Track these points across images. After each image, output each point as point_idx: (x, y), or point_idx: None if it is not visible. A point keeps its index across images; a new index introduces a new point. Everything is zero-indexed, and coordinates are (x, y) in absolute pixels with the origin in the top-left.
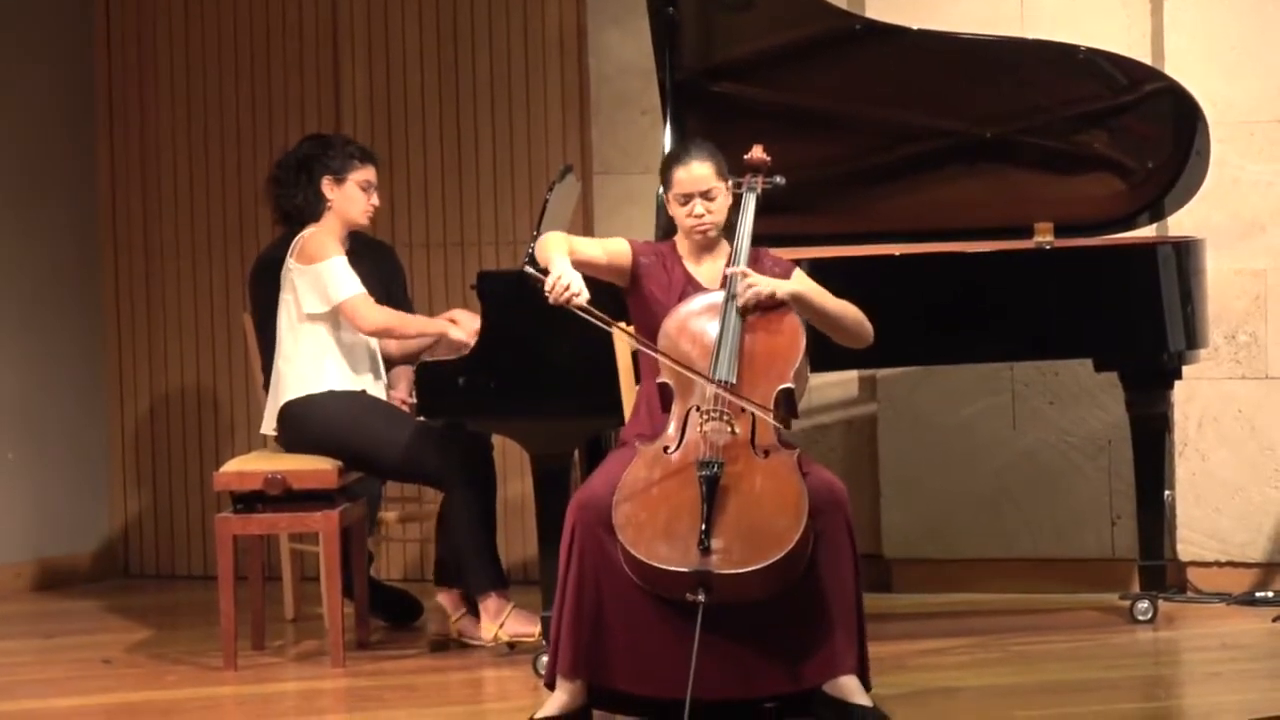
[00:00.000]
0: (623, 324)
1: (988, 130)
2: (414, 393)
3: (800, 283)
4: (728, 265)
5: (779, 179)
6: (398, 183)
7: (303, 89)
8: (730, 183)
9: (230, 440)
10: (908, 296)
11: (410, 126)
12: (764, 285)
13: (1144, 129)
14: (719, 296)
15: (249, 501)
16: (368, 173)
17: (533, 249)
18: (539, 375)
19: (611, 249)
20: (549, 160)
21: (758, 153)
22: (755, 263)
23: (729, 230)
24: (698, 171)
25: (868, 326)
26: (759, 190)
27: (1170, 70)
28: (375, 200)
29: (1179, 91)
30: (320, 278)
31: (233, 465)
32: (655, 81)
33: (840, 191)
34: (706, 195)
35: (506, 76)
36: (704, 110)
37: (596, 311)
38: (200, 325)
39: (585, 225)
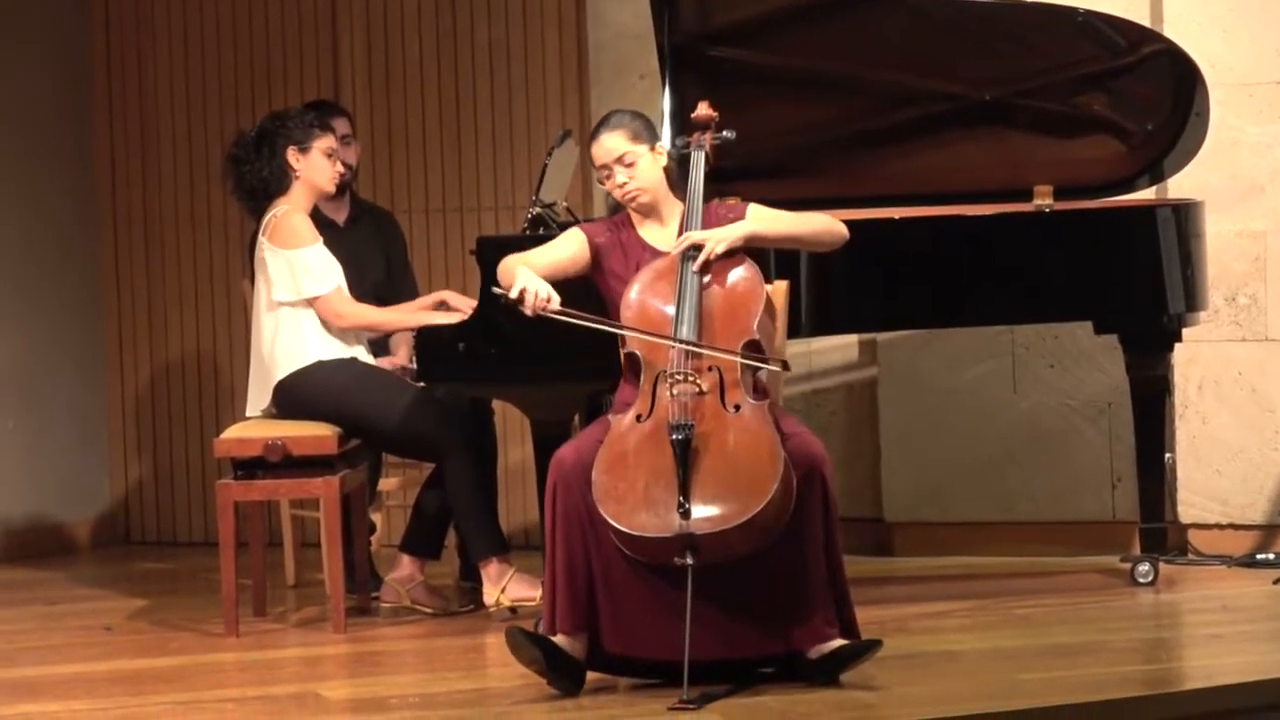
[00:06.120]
0: (602, 318)
1: (987, 93)
2: (414, 358)
3: (754, 221)
4: (681, 228)
5: (728, 133)
6: (397, 149)
7: (301, 58)
8: (679, 141)
9: (230, 407)
10: (908, 260)
11: (409, 93)
12: (716, 245)
13: (1143, 91)
14: (675, 259)
15: (249, 468)
16: (330, 140)
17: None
18: (538, 341)
19: (566, 247)
20: (548, 125)
21: (703, 109)
22: (707, 217)
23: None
24: (607, 143)
25: (836, 229)
26: (707, 147)
27: (1169, 32)
28: (340, 166)
29: (1178, 53)
30: (294, 268)
31: (233, 432)
32: (654, 46)
33: (839, 155)
34: (621, 161)
35: (505, 42)
36: (702, 74)
37: (574, 312)
38: (200, 294)
39: (584, 190)
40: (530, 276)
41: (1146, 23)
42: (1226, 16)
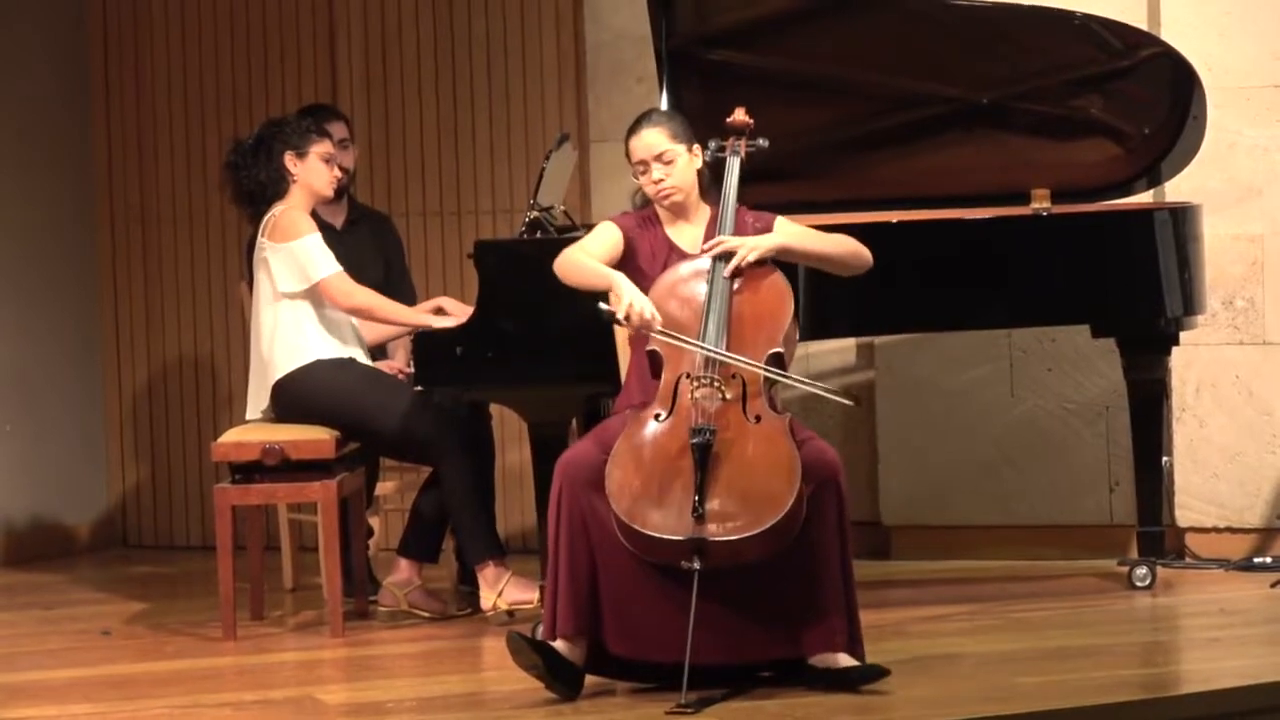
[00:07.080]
0: (698, 343)
1: (984, 96)
2: (411, 362)
3: (784, 234)
4: (710, 228)
5: (762, 141)
6: (394, 152)
7: (299, 58)
8: (714, 145)
9: (228, 410)
10: (906, 263)
11: (406, 95)
12: (749, 252)
13: (1140, 94)
14: (704, 262)
15: (247, 472)
16: (327, 145)
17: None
18: (536, 343)
19: (608, 238)
20: (545, 128)
21: (740, 115)
22: (737, 224)
23: (708, 195)
24: (647, 139)
25: (864, 254)
26: (742, 153)
27: (1166, 35)
28: (338, 171)
29: (1175, 56)
30: (296, 257)
31: (231, 436)
32: (651, 49)
33: (837, 158)
34: (660, 159)
35: (503, 44)
36: (700, 77)
37: (673, 333)
38: (197, 295)
39: (582, 193)
40: (635, 293)
41: (1144, 26)
42: (1223, 20)
